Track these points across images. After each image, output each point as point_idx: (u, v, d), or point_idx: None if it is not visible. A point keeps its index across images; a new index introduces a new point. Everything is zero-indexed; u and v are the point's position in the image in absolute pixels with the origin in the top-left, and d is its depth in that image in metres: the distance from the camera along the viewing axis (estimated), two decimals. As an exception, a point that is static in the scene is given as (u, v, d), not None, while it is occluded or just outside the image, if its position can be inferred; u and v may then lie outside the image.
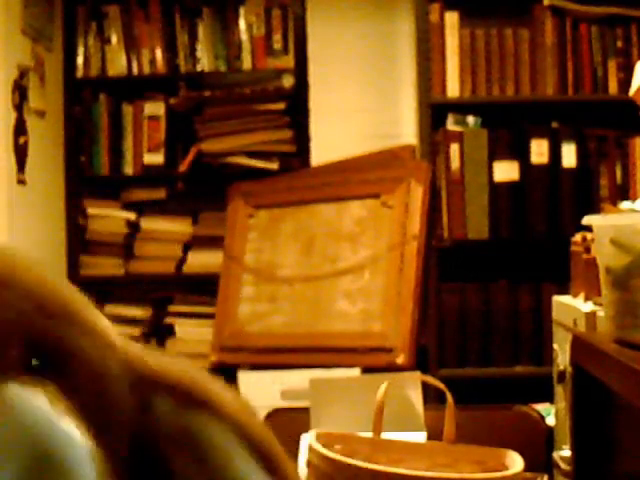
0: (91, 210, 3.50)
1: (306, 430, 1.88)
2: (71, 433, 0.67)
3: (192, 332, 3.42)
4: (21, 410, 0.68)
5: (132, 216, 3.49)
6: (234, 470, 0.81)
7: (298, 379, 2.74)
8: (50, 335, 0.70)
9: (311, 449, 1.70)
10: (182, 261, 3.47)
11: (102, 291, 3.41)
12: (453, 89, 3.15)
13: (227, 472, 0.81)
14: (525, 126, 3.15)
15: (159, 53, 3.46)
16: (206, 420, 0.81)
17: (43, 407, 0.68)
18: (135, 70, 3.47)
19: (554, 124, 3.16)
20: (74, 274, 3.38)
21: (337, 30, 3.51)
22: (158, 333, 3.48)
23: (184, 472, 0.79)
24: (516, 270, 3.19)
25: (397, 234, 2.98)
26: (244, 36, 3.45)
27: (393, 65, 3.50)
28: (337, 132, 3.47)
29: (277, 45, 3.44)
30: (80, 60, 3.47)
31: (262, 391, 2.88)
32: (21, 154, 3.07)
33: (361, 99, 3.51)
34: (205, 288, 3.35)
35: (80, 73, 3.48)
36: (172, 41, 3.47)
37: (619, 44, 3.15)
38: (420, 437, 1.96)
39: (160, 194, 3.51)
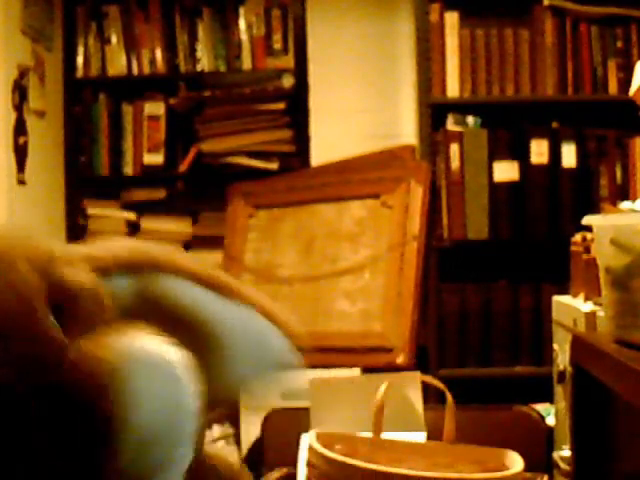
0: (91, 210, 3.49)
1: (306, 430, 1.88)
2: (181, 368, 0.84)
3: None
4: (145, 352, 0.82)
5: (132, 216, 3.49)
6: (188, 302, 0.92)
7: (298, 379, 2.74)
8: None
9: (311, 449, 1.70)
10: (182, 261, 3.47)
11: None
12: (453, 89, 3.15)
13: (181, 304, 0.92)
14: (525, 126, 3.15)
15: (159, 53, 3.46)
16: (158, 278, 0.93)
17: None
18: (135, 70, 3.46)
19: (554, 124, 3.16)
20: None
21: (337, 30, 3.51)
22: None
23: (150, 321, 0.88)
24: (516, 270, 3.19)
25: (397, 234, 2.98)
26: (244, 36, 3.45)
27: (393, 65, 3.50)
28: (337, 132, 3.47)
29: (277, 45, 3.44)
30: (80, 60, 3.47)
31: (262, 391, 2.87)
32: (21, 154, 3.07)
33: (361, 99, 3.51)
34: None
35: (80, 73, 3.48)
36: (172, 41, 3.47)
37: (619, 44, 3.14)
38: (420, 437, 1.96)
39: (160, 194, 3.50)
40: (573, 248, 2.16)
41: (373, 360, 2.85)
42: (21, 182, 3.07)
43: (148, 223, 3.50)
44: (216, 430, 2.63)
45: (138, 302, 0.94)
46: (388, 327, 2.89)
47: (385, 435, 1.84)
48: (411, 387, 2.04)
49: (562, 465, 1.87)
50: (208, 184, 3.46)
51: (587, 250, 2.02)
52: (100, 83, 3.49)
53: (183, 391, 0.84)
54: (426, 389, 2.14)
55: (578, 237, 2.14)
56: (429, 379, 2.03)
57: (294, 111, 3.40)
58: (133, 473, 0.83)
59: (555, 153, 3.12)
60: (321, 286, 3.07)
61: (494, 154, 3.12)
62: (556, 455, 1.95)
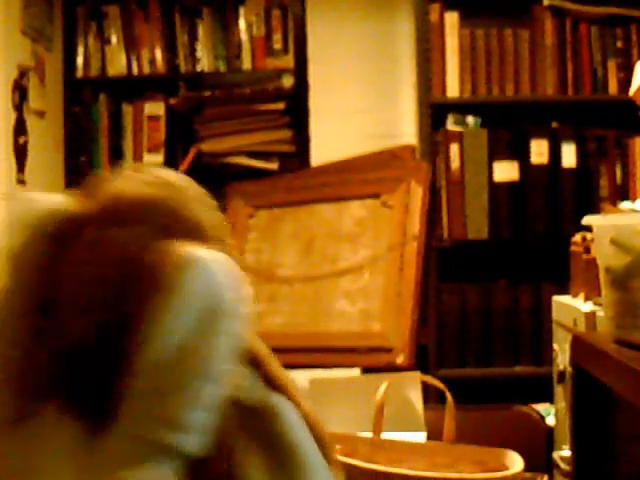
0: (91, 210, 3.49)
1: (306, 430, 1.88)
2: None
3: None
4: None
5: (132, 216, 3.49)
6: (301, 443, 0.90)
7: (298, 379, 2.74)
8: None
9: (311, 449, 1.70)
10: (182, 261, 3.47)
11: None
12: (453, 89, 3.15)
13: (294, 442, 0.90)
14: (525, 126, 3.15)
15: (159, 53, 3.46)
16: (283, 399, 0.94)
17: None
18: (135, 70, 3.46)
19: (554, 124, 3.16)
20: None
21: (337, 30, 3.51)
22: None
23: (255, 433, 0.91)
24: (516, 270, 3.19)
25: (397, 234, 2.98)
26: (244, 36, 3.45)
27: (393, 65, 3.50)
28: (337, 132, 3.47)
29: (277, 45, 3.44)
30: (80, 60, 3.47)
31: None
32: (21, 154, 3.07)
33: (361, 99, 3.51)
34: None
35: (80, 73, 3.47)
36: (172, 41, 3.46)
37: (619, 44, 3.15)
38: (420, 437, 1.96)
39: (160, 194, 3.50)
40: (573, 248, 2.16)
41: (373, 360, 2.85)
42: (21, 182, 3.07)
43: (148, 223, 3.50)
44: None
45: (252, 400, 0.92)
46: (388, 327, 2.88)
47: (385, 435, 1.84)
48: (411, 387, 2.04)
49: (562, 465, 1.87)
50: (208, 184, 3.45)
51: (587, 250, 2.02)
52: (100, 83, 3.49)
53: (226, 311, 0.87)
54: (426, 389, 2.14)
55: (578, 237, 2.14)
56: (429, 379, 2.03)
57: (294, 111, 3.40)
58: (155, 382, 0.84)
59: (555, 153, 3.12)
60: (321, 286, 3.07)
61: (494, 154, 3.12)
62: (556, 455, 1.96)
